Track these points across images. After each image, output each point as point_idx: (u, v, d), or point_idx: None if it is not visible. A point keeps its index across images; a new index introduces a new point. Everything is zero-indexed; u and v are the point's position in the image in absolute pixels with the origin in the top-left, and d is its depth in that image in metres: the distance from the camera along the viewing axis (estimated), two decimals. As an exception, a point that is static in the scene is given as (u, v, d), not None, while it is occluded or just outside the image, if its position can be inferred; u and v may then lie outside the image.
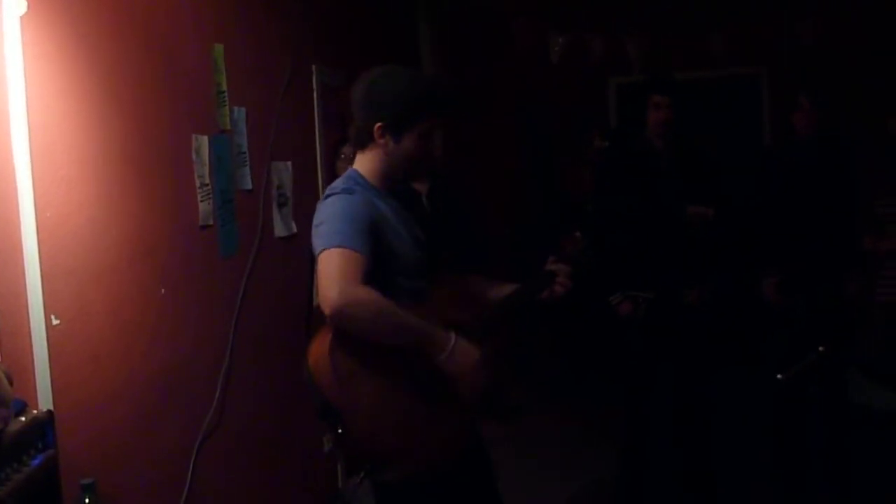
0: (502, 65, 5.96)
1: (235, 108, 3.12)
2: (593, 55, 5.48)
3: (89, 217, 2.30)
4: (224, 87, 3.03)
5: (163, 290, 2.62)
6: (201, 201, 2.85)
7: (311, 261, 2.11)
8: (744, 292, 3.95)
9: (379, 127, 2.10)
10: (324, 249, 1.94)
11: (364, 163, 2.18)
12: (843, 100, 4.40)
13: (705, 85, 5.68)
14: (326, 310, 1.88)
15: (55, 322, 2.11)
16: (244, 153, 3.19)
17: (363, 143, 2.17)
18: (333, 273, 1.89)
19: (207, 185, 2.89)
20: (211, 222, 2.92)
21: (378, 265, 1.98)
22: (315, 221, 2.07)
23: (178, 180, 2.75)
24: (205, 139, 2.88)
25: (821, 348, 2.31)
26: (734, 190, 3.94)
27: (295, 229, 3.59)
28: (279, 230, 3.46)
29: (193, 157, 2.82)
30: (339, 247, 1.92)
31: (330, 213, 2.02)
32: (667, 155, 3.65)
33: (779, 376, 2.20)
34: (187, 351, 2.76)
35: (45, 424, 1.90)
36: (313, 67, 3.85)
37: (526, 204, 6.00)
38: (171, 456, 2.66)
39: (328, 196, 2.10)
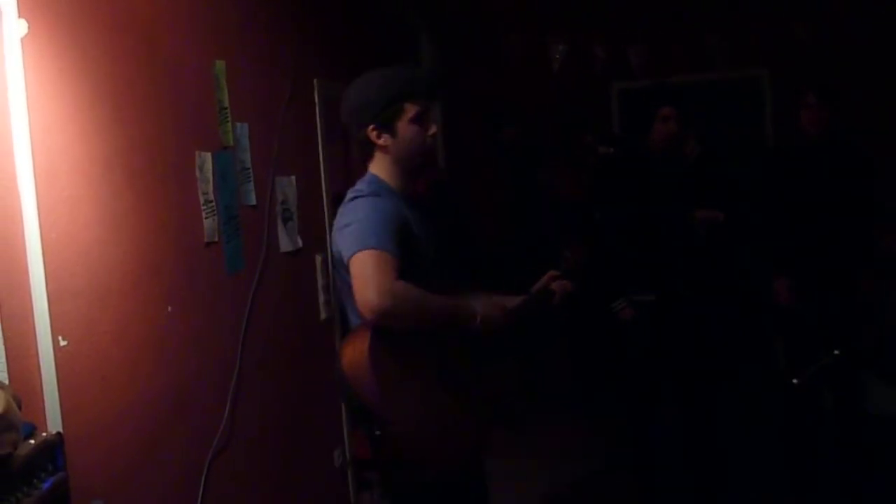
0: (503, 76, 5.95)
1: (238, 124, 3.11)
2: (594, 62, 5.47)
3: (94, 237, 2.29)
4: (226, 104, 3.02)
5: (169, 308, 2.61)
6: (206, 218, 2.85)
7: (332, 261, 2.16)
8: (755, 295, 3.92)
9: (372, 128, 2.14)
10: (358, 251, 1.94)
11: (377, 168, 2.21)
12: (857, 98, 4.37)
13: (707, 88, 5.67)
14: (368, 312, 1.89)
15: (63, 343, 2.10)
16: (248, 169, 3.18)
17: (369, 153, 2.21)
18: (371, 275, 1.90)
19: (212, 201, 2.88)
20: (216, 239, 2.91)
21: (403, 267, 2.00)
22: (340, 223, 2.09)
23: (182, 198, 2.74)
24: (208, 156, 2.88)
25: (836, 351, 2.28)
26: (741, 192, 3.93)
27: (300, 244, 3.58)
28: (284, 245, 3.45)
29: (197, 173, 2.81)
30: (373, 248, 1.93)
31: (359, 216, 2.04)
32: (672, 161, 3.63)
33: (794, 381, 2.18)
34: (196, 368, 2.75)
35: (55, 447, 1.89)
36: (315, 81, 3.85)
37: (524, 214, 5.97)
38: (181, 474, 2.64)
39: (354, 198, 2.12)
